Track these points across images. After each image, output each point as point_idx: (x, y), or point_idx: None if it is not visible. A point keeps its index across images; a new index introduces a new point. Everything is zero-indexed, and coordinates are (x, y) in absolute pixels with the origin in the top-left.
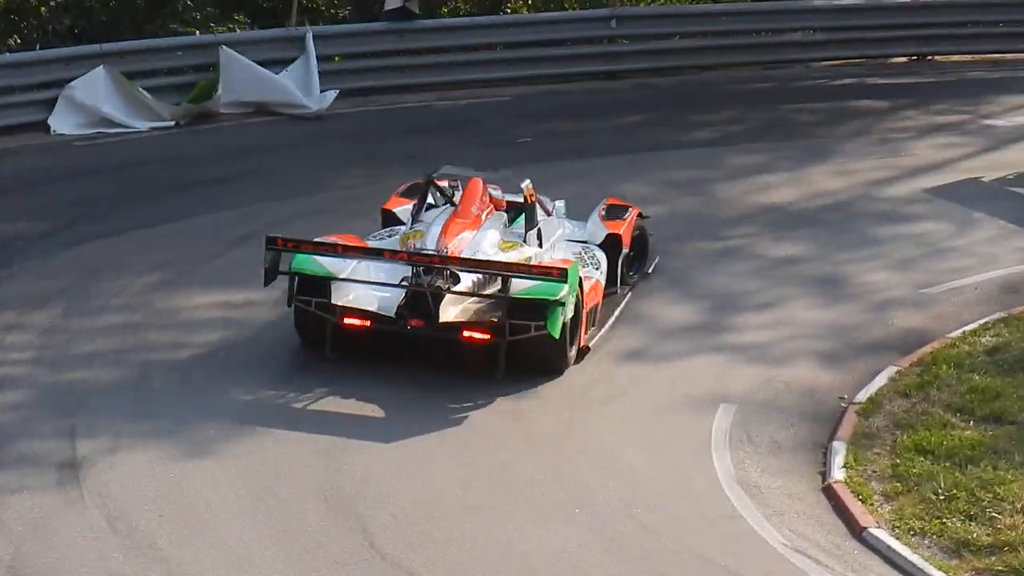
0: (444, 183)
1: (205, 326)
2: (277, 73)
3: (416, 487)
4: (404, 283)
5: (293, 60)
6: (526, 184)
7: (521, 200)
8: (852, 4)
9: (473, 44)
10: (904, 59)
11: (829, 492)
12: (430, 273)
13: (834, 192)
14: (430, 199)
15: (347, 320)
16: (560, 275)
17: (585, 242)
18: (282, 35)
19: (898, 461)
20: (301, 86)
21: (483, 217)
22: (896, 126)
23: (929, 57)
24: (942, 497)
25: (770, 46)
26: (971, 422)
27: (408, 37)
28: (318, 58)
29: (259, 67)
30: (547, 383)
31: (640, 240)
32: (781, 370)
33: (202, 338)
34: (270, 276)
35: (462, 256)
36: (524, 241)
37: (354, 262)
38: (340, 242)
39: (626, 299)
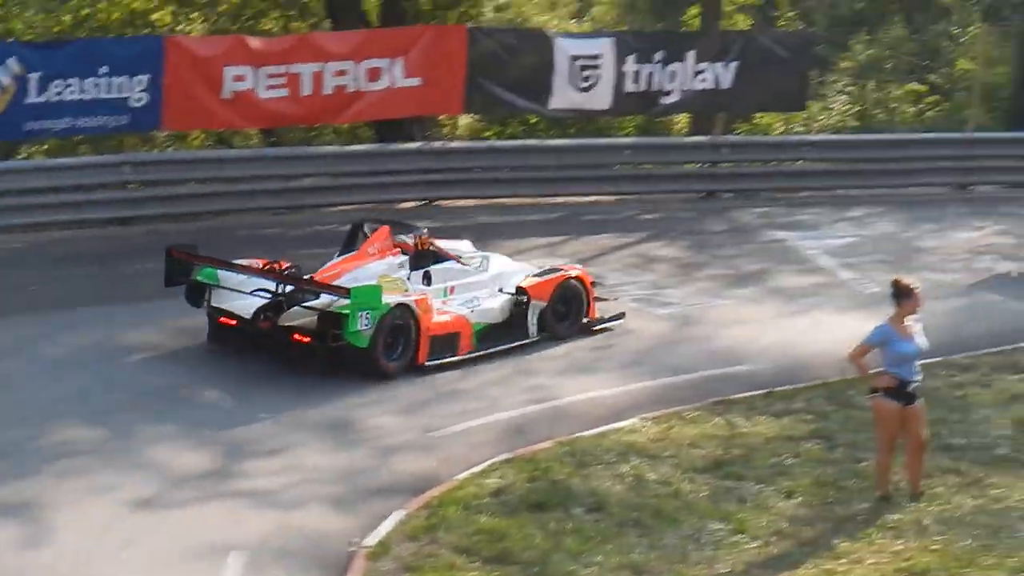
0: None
1: None
2: None
3: None
4: (258, 292)
5: None
6: (418, 233)
7: (447, 247)
8: (360, 150)
9: None
10: (414, 203)
11: None
12: (300, 291)
13: None
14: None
15: (221, 319)
16: (345, 293)
17: (513, 292)
18: None
19: None
20: None
21: (380, 257)
22: None
23: (436, 202)
24: None
25: (281, 191)
26: (477, 563)
27: None
28: None
29: None
30: (69, 531)
31: (568, 298)
32: (292, 515)
33: None
34: (172, 282)
35: (309, 278)
36: (408, 279)
37: (246, 276)
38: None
39: (522, 342)
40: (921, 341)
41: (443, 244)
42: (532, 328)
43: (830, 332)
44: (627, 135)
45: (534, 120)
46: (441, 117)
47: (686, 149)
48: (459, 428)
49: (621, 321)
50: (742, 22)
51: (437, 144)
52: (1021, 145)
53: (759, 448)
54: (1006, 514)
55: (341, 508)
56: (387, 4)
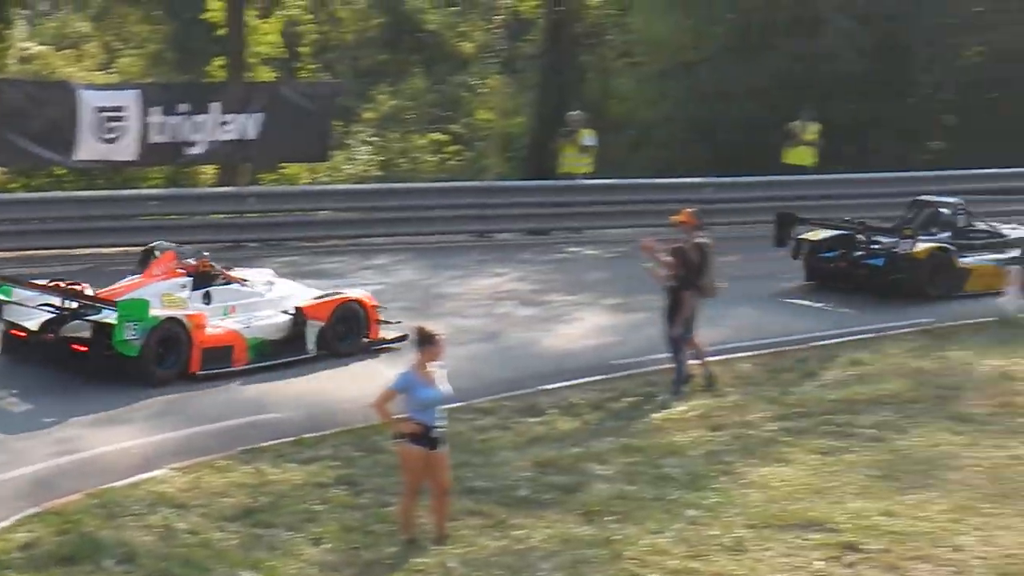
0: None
1: None
2: None
3: None
4: (43, 307)
5: None
6: (198, 257)
7: (241, 272)
8: None
9: None
10: None
11: None
12: (85, 306)
13: None
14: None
15: (12, 331)
16: (112, 305)
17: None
18: None
19: None
20: None
21: (164, 277)
22: None
23: None
24: None
25: None
26: None
27: None
28: None
29: None
30: None
31: (347, 319)
32: None
33: None
34: None
35: (89, 294)
36: (189, 298)
37: (36, 293)
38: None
39: (300, 357)
40: (444, 387)
41: (239, 270)
42: (311, 345)
43: (357, 379)
44: (155, 186)
45: (61, 172)
46: None
47: (212, 199)
48: None
49: (404, 342)
50: (266, 74)
51: None
52: (537, 193)
53: (288, 495)
54: (528, 554)
55: None
56: None
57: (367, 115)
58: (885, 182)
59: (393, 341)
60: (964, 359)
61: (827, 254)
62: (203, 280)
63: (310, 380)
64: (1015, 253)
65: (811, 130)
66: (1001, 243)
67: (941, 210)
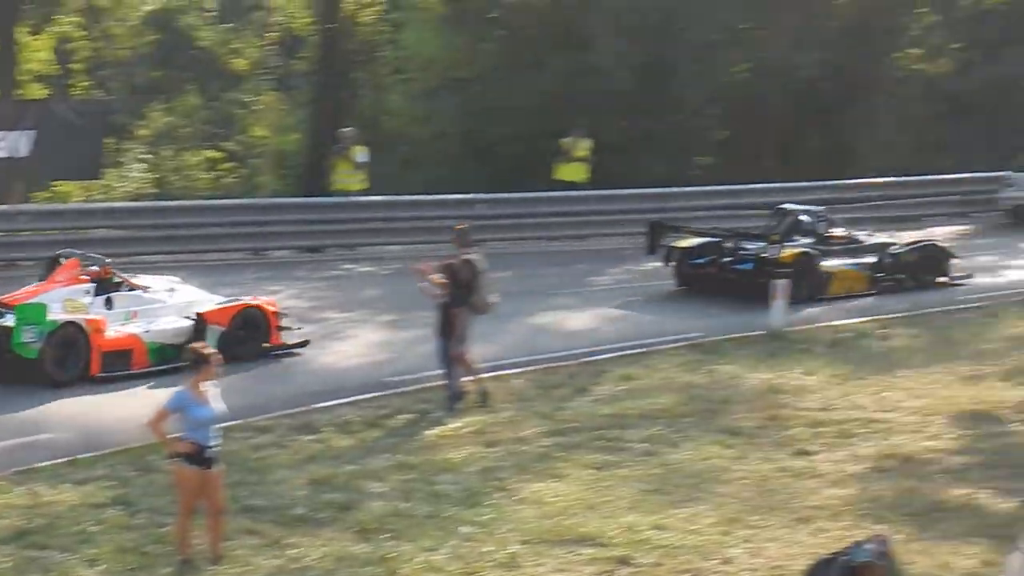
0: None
1: None
2: None
3: None
4: None
5: None
6: (101, 264)
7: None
8: None
9: None
10: None
11: None
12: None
13: None
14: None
15: None
16: (10, 309)
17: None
18: None
19: None
20: None
21: (66, 284)
22: None
23: None
24: None
25: None
26: None
27: None
28: None
29: None
30: None
31: (248, 324)
32: None
33: None
34: None
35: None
36: (92, 304)
37: None
38: None
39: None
40: (218, 406)
41: (142, 277)
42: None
43: (133, 398)
44: None
45: None
46: None
47: None
48: None
49: (304, 348)
50: (38, 91)
51: None
52: (311, 210)
53: (63, 516)
54: (304, 573)
55: None
56: None
57: (141, 132)
58: (653, 197)
59: (294, 347)
60: (732, 373)
61: (697, 260)
62: (106, 286)
63: (85, 400)
64: (873, 258)
65: (582, 146)
66: (859, 248)
67: (802, 218)
